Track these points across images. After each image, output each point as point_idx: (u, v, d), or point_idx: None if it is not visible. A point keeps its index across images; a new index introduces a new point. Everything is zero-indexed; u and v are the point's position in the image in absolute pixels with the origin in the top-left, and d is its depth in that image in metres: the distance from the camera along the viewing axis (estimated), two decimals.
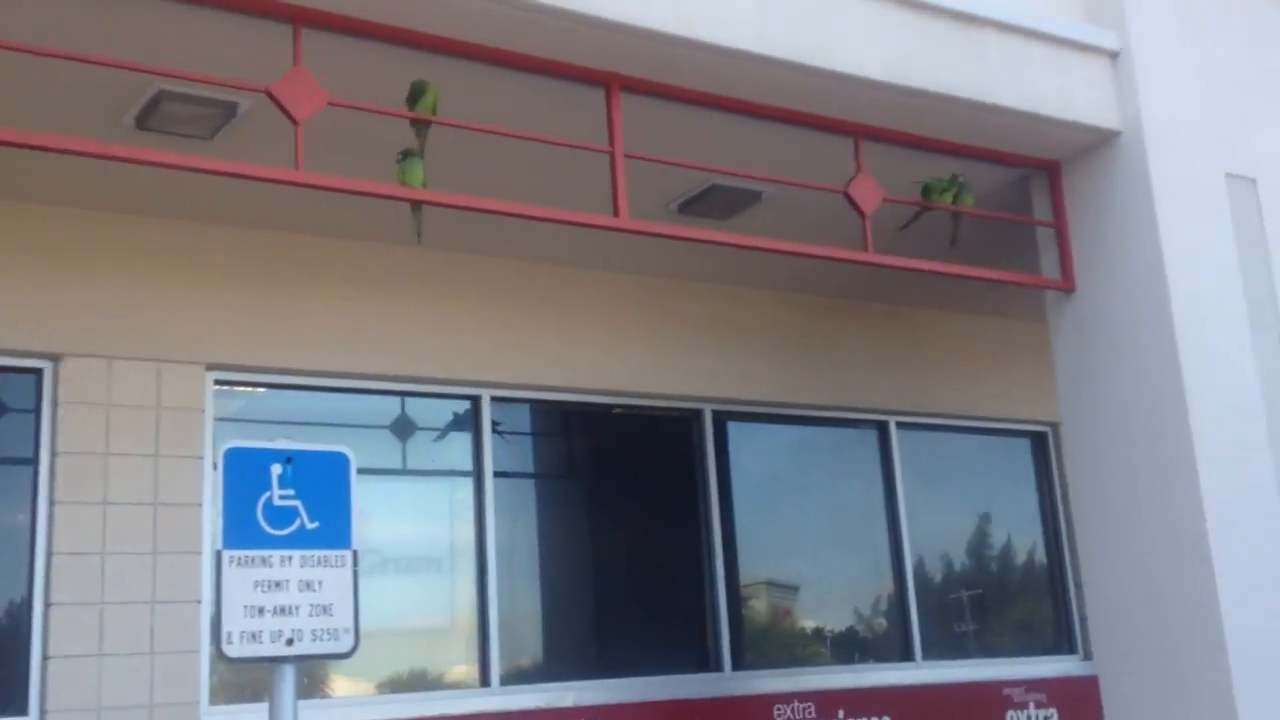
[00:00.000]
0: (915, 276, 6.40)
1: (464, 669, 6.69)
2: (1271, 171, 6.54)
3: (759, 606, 7.86)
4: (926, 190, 6.15)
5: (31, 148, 4.23)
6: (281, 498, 3.86)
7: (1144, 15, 6.31)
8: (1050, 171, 6.48)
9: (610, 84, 5.27)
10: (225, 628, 3.71)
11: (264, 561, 3.79)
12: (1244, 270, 6.30)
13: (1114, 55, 6.25)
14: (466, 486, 6.90)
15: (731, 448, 7.81)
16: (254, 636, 3.74)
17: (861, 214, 5.85)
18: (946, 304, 8.32)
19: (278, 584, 3.80)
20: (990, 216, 6.43)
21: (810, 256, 5.88)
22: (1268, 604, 5.83)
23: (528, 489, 7.39)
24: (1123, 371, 6.15)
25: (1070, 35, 6.09)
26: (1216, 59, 6.53)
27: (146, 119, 5.15)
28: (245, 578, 3.75)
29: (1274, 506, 6.04)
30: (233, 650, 3.71)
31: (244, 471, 3.82)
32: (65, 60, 4.37)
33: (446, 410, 6.95)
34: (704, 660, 7.35)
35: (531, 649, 6.99)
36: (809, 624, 8.02)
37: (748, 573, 7.70)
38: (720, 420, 7.75)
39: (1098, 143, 6.25)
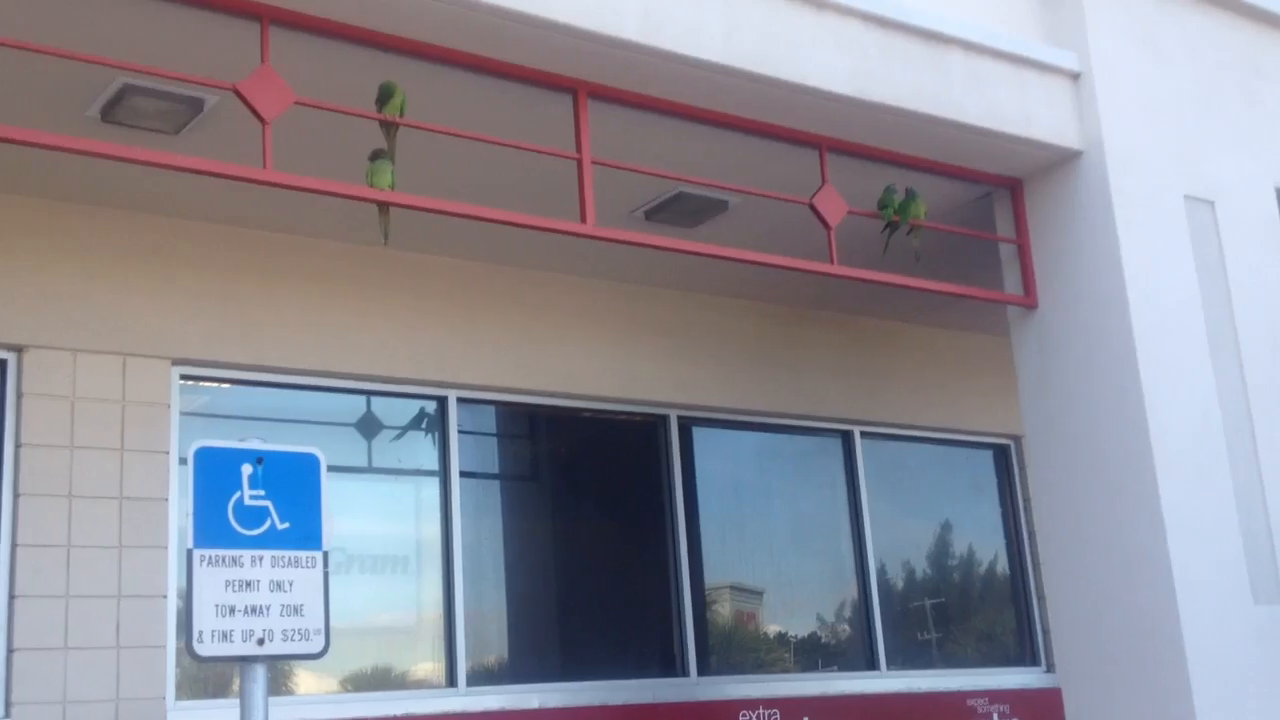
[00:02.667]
0: (881, 288, 6.47)
1: (430, 668, 6.72)
2: (1229, 195, 6.64)
3: (723, 611, 7.90)
4: (886, 204, 6.22)
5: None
6: (252, 498, 3.88)
7: (1105, 37, 6.41)
8: (1013, 188, 6.57)
9: (578, 90, 5.32)
10: (196, 627, 3.72)
11: (235, 561, 3.81)
12: (1203, 289, 6.39)
13: (1075, 76, 6.35)
14: (433, 486, 6.93)
15: (697, 453, 7.85)
16: (225, 636, 3.76)
17: (826, 226, 5.91)
18: (912, 316, 8.40)
19: (248, 584, 3.82)
20: (953, 231, 6.51)
21: (776, 266, 5.94)
22: (1227, 616, 5.93)
23: (494, 490, 7.42)
24: (1085, 386, 6.23)
25: (1032, 55, 6.18)
26: (1177, 83, 6.63)
27: (112, 112, 5.16)
28: (216, 577, 3.77)
29: (1233, 521, 6.13)
30: (204, 649, 3.73)
31: (215, 471, 3.84)
32: (30, 52, 4.38)
33: (413, 410, 6.98)
34: (669, 664, 7.40)
35: (498, 650, 7.01)
36: (773, 629, 8.07)
37: (713, 577, 7.75)
38: (686, 426, 7.79)
39: (1059, 161, 6.34)
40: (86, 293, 5.88)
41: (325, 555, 3.96)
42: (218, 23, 4.62)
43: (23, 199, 5.79)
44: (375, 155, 4.95)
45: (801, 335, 8.18)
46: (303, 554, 3.92)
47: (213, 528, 3.80)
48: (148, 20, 4.58)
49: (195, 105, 5.17)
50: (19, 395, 5.68)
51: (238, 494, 3.85)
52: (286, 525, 3.92)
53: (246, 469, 3.89)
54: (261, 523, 3.88)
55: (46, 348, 5.77)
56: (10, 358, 5.72)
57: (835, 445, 8.38)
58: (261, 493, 3.89)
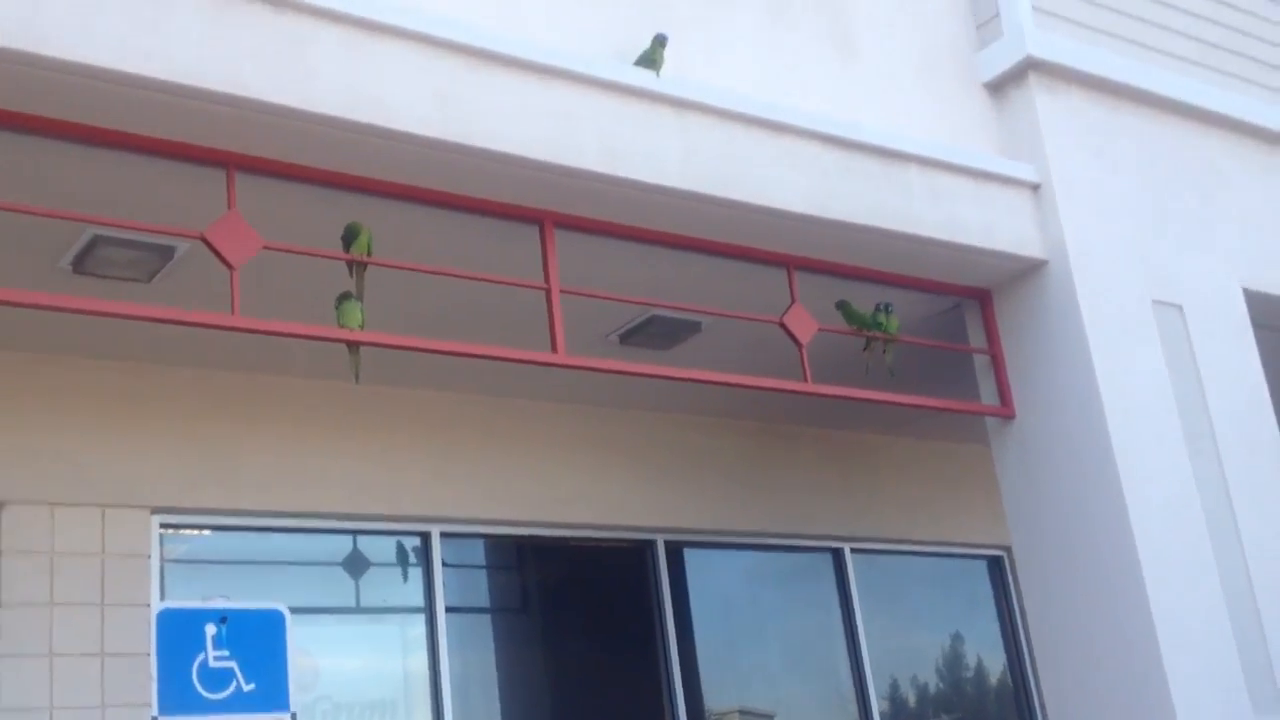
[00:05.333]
0: (859, 402, 6.48)
1: None
2: (1197, 297, 6.70)
3: None
4: (850, 317, 6.27)
5: None
6: (216, 659, 3.83)
7: (1061, 148, 6.53)
8: (981, 299, 6.63)
9: (544, 221, 5.39)
10: None
11: None
12: (1177, 391, 6.42)
13: (1035, 187, 6.45)
14: (419, 623, 6.84)
15: (688, 577, 7.78)
16: None
17: (798, 344, 5.95)
18: (893, 428, 8.40)
19: None
20: (925, 345, 6.55)
21: (751, 388, 5.97)
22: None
23: (482, 624, 7.33)
24: (1067, 495, 6.21)
25: (990, 168, 6.28)
26: (1136, 189, 6.74)
27: (84, 263, 5.22)
28: None
29: (1226, 626, 6.06)
30: None
31: (178, 633, 3.80)
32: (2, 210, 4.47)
33: (396, 547, 6.93)
34: None
35: None
36: None
37: (713, 701, 7.62)
38: (674, 550, 7.74)
39: (1025, 271, 6.41)
40: (62, 444, 5.87)
41: (293, 716, 3.87)
42: (185, 172, 4.69)
43: None
44: (343, 297, 5.00)
45: (782, 452, 8.17)
46: (269, 717, 3.84)
47: (177, 693, 3.75)
48: (116, 172, 4.66)
49: (166, 253, 5.23)
50: None
51: (202, 655, 3.80)
52: (252, 686, 3.86)
53: (210, 629, 3.84)
54: (227, 685, 3.81)
55: (24, 503, 5.73)
56: None
57: (826, 563, 8.31)
58: (226, 653, 3.84)
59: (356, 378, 5.22)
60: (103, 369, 6.06)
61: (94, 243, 5.07)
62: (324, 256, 5.01)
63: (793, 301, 5.97)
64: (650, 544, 7.63)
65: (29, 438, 5.81)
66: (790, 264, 6.00)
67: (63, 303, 4.54)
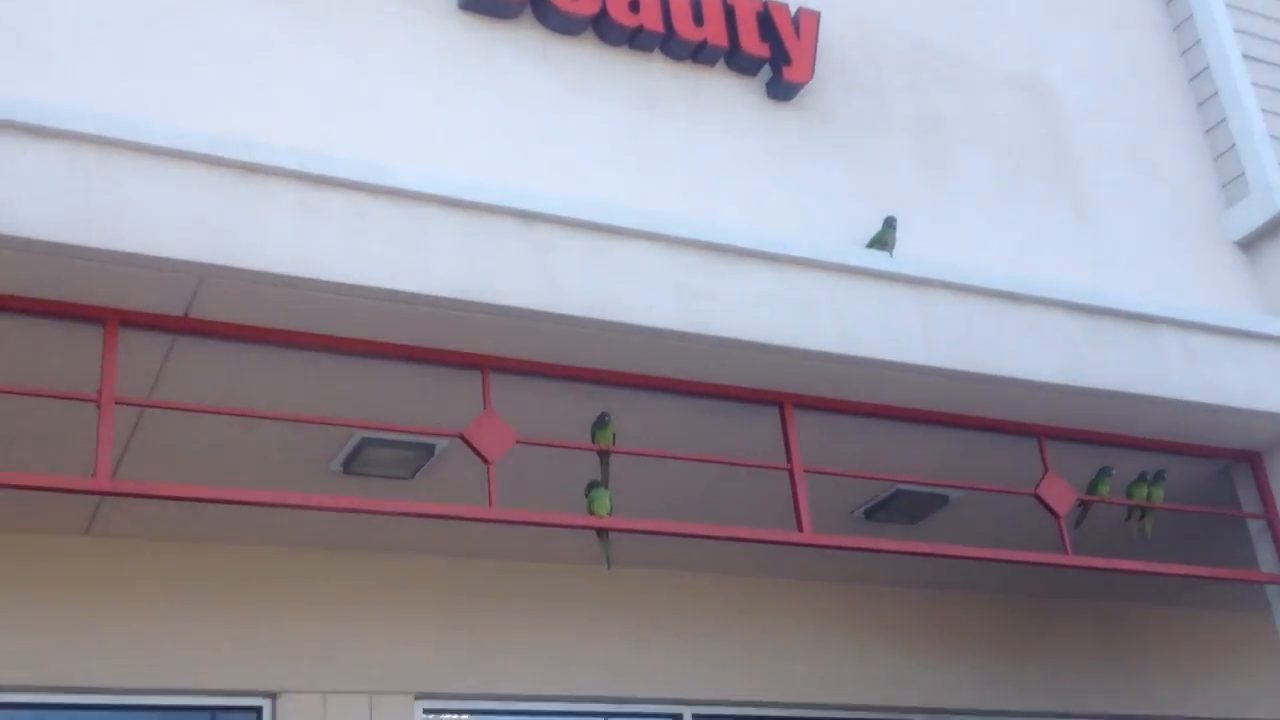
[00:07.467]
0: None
1: None
2: None
3: None
4: (1103, 486, 6.01)
5: (253, 504, 4.61)
6: None
7: None
8: (1251, 461, 6.28)
9: (784, 402, 5.44)
10: None
11: None
12: None
13: None
14: None
15: None
16: None
17: (1055, 515, 5.76)
18: (1159, 598, 7.94)
19: None
20: (1192, 511, 6.23)
21: (1006, 561, 5.79)
22: None
23: None
24: None
25: (1250, 327, 6.02)
26: None
27: (352, 464, 5.54)
28: None
29: None
30: None
31: None
32: (278, 420, 4.83)
33: None
34: None
35: None
36: None
37: None
38: None
39: None
40: (332, 635, 6.13)
41: None
42: (443, 375, 4.98)
43: (270, 549, 6.14)
44: (592, 485, 5.14)
45: (1041, 626, 7.81)
46: None
47: None
48: (381, 379, 4.98)
49: (427, 451, 5.51)
50: None
51: None
52: None
53: None
54: None
55: (299, 691, 5.99)
56: (265, 704, 5.95)
57: None
58: None
59: (608, 563, 5.32)
60: (369, 562, 6.34)
61: (362, 444, 5.39)
62: (572, 448, 5.18)
63: (1045, 471, 5.80)
64: None
65: (301, 629, 6.09)
66: (1041, 434, 5.85)
67: (336, 503, 4.84)
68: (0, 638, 5.50)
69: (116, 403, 4.31)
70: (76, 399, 4.32)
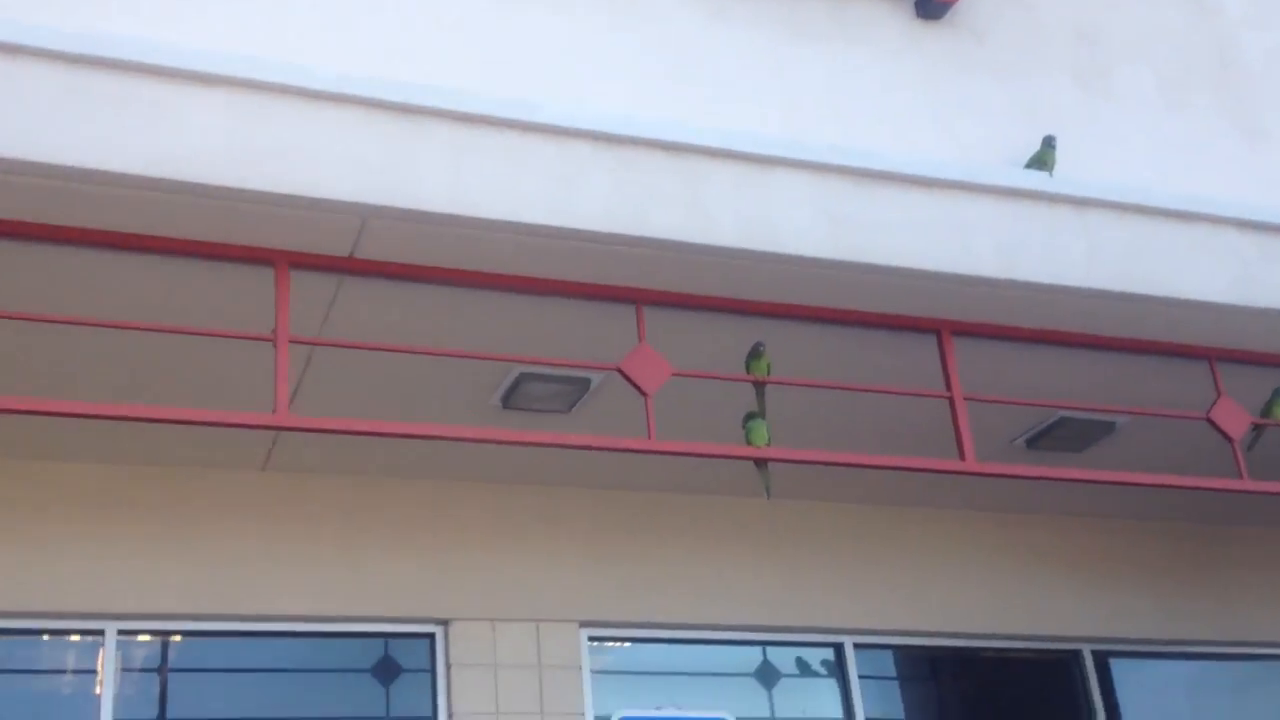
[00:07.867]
0: None
1: None
2: None
3: None
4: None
5: (423, 438, 4.73)
6: None
7: None
8: None
9: (941, 330, 5.36)
10: None
11: None
12: None
13: None
14: None
15: (1118, 690, 7.34)
16: None
17: (1229, 439, 5.58)
18: None
19: None
20: None
21: (1178, 488, 5.64)
22: None
23: None
24: None
25: None
26: None
27: (511, 398, 5.65)
28: None
29: None
30: None
31: None
32: (442, 356, 4.95)
33: (810, 658, 6.95)
34: None
35: None
36: None
37: None
38: (1102, 660, 7.33)
39: None
40: (499, 565, 6.31)
41: None
42: (597, 310, 5.03)
43: (435, 483, 6.34)
44: (749, 416, 5.15)
45: (1217, 554, 7.59)
46: None
47: None
48: (537, 314, 5.06)
49: (583, 385, 5.59)
50: (448, 666, 6.10)
51: None
52: None
53: None
54: None
55: (469, 619, 6.19)
56: (438, 631, 6.17)
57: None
58: None
59: (768, 493, 5.34)
60: (528, 495, 6.49)
61: (520, 379, 5.50)
62: (728, 379, 5.19)
63: (1219, 394, 5.61)
64: (1076, 654, 7.27)
65: (470, 559, 6.30)
66: (1212, 356, 5.65)
67: (499, 435, 4.95)
68: (183, 569, 5.81)
69: (291, 341, 4.47)
70: (253, 339, 4.49)
